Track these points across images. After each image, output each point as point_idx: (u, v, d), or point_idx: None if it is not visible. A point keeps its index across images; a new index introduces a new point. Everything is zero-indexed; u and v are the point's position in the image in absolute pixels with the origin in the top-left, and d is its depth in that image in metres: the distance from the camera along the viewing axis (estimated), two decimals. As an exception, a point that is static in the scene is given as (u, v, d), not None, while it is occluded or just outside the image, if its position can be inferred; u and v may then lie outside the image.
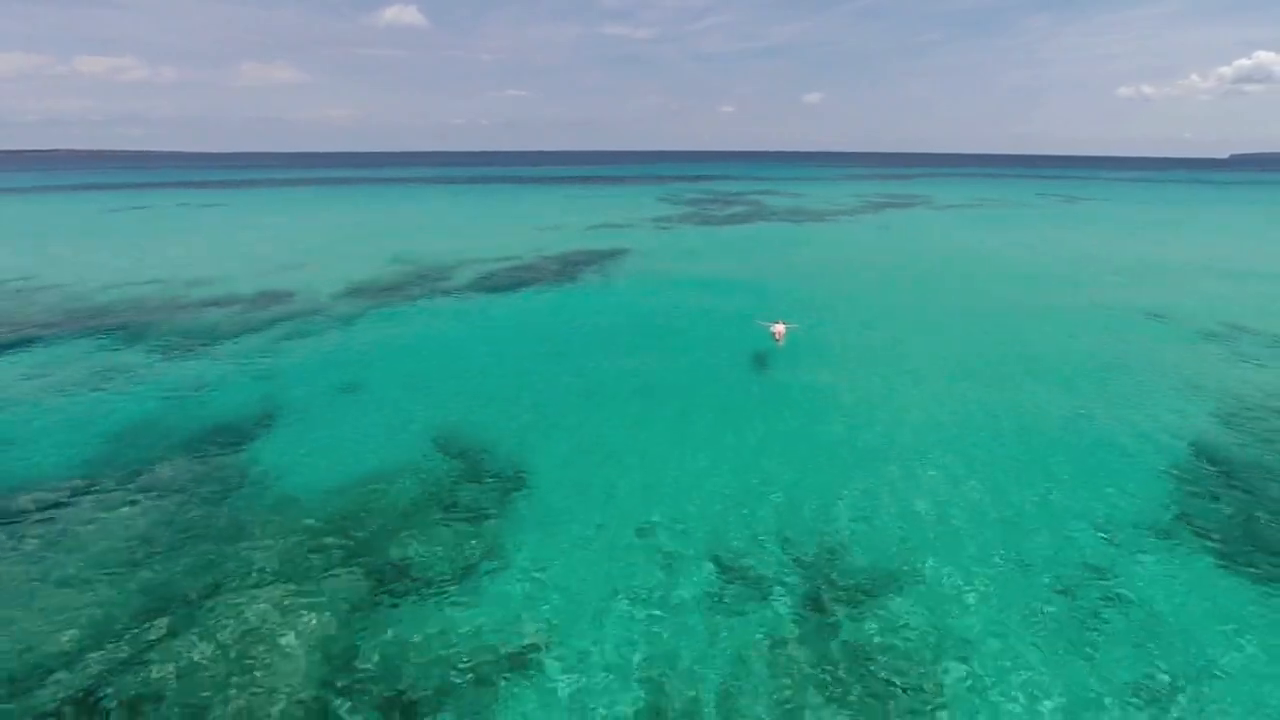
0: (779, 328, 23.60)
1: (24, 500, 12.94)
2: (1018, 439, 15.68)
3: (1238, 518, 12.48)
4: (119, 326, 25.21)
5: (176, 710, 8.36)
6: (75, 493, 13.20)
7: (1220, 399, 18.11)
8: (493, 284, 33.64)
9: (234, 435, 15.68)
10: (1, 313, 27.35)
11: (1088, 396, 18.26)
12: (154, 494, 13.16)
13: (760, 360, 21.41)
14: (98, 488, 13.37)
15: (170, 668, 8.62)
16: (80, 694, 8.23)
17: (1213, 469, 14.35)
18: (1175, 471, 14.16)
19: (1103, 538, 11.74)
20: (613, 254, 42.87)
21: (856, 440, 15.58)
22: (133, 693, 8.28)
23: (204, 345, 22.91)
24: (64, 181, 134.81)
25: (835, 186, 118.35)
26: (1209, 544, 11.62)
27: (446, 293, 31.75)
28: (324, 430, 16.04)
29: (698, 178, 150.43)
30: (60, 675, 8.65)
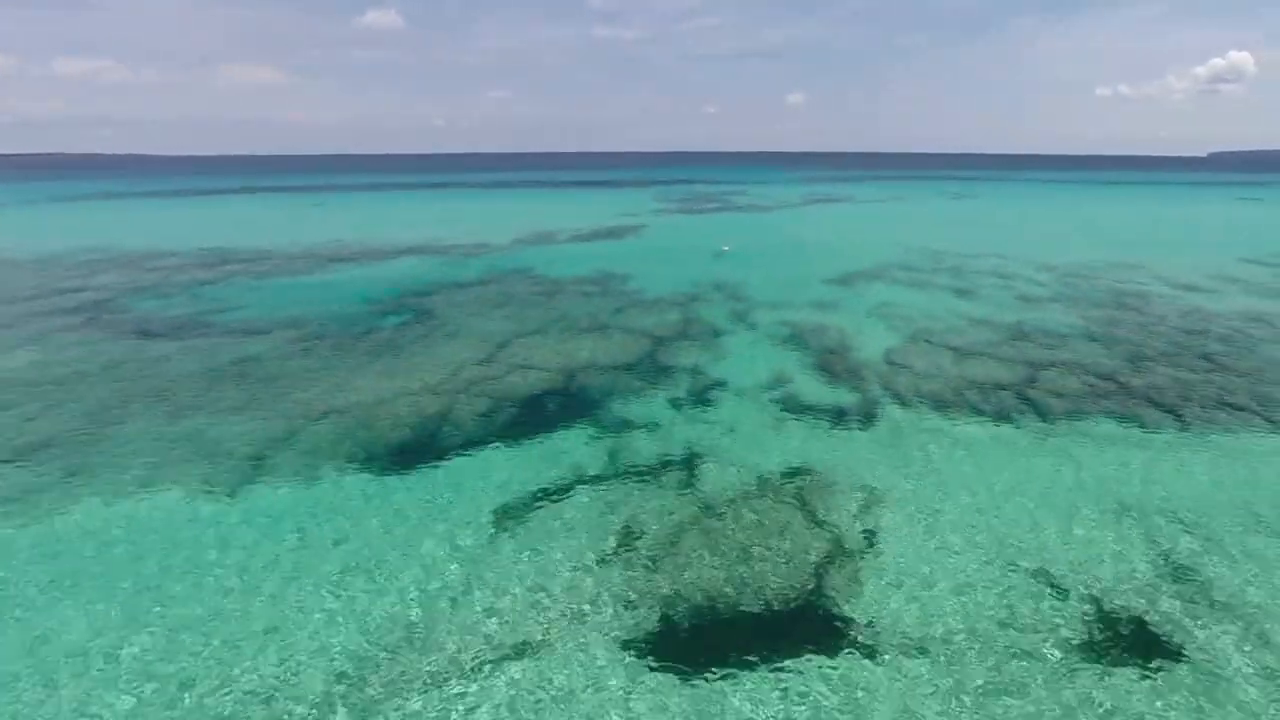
0: (726, 247, 53.95)
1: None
2: (788, 268, 45.68)
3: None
4: (436, 253, 54.19)
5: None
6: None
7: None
8: (579, 238, 63.12)
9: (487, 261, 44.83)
10: (372, 244, 56.23)
11: (817, 262, 48.36)
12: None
13: (717, 255, 51.50)
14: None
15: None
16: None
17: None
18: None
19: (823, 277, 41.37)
20: (634, 227, 72.26)
21: (748, 270, 45.28)
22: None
23: (476, 254, 52.02)
24: (129, 188, 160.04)
25: (790, 188, 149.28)
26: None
27: (560, 242, 60.95)
28: (560, 267, 45.55)
29: (682, 181, 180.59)
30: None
